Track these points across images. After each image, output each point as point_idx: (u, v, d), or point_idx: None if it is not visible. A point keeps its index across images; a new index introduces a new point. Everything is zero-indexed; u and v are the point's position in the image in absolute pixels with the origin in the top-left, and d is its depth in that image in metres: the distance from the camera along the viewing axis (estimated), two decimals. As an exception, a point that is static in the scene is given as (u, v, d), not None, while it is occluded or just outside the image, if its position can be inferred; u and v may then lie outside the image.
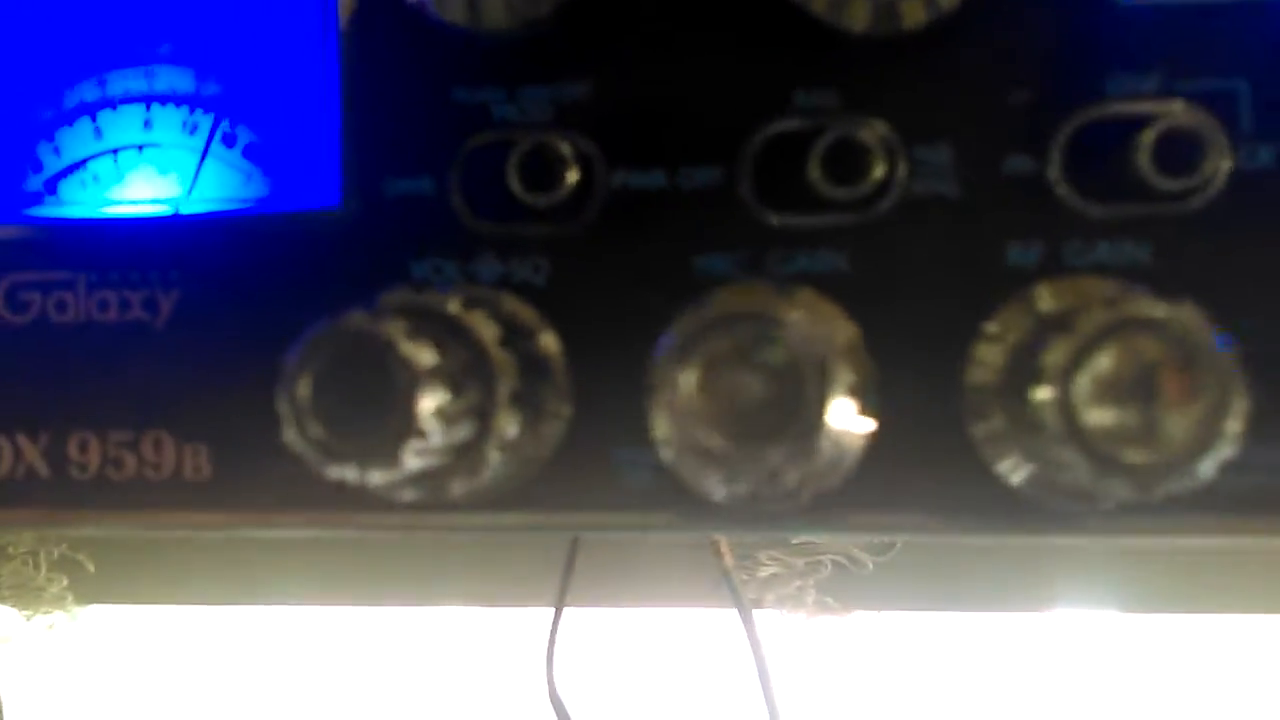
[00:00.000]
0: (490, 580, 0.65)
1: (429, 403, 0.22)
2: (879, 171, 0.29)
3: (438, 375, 0.23)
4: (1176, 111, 0.28)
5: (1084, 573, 0.61)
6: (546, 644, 0.56)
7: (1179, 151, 0.27)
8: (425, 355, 0.23)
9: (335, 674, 0.73)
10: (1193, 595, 0.60)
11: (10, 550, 0.68)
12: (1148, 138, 0.27)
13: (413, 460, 0.23)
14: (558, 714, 0.55)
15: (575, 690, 0.56)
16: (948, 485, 0.28)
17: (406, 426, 0.22)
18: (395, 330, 0.23)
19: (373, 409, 0.22)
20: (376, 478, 0.23)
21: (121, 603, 0.71)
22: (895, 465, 0.28)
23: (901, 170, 0.29)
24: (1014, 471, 0.27)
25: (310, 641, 0.73)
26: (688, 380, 0.22)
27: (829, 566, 0.62)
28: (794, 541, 0.61)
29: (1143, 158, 0.27)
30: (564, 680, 0.56)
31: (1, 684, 0.70)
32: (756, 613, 0.56)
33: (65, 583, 0.69)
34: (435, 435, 0.23)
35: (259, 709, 0.73)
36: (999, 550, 0.60)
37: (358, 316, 0.23)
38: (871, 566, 0.62)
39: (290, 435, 0.23)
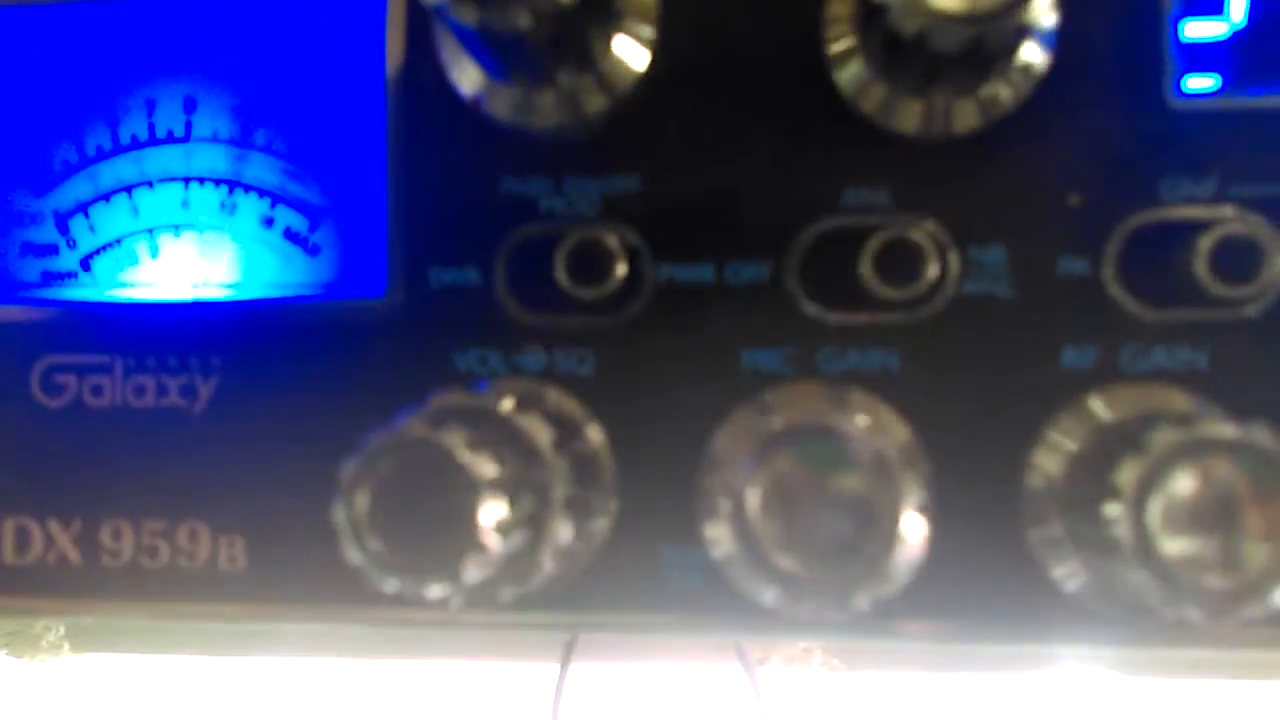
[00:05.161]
0: (495, 634, 0.64)
1: (490, 515, 0.22)
2: (932, 271, 0.28)
3: (497, 486, 0.22)
4: (1232, 217, 0.28)
5: (1091, 633, 0.60)
6: (552, 699, 0.55)
7: (1236, 258, 0.27)
8: (486, 467, 0.22)
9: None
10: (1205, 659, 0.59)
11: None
12: (1204, 244, 0.27)
13: (472, 573, 0.22)
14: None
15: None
16: (1002, 592, 0.28)
17: (468, 541, 0.22)
18: (455, 440, 0.22)
19: (433, 522, 0.22)
20: (434, 591, 0.22)
21: (119, 651, 0.70)
22: (948, 572, 0.28)
23: (954, 270, 0.29)
24: (1071, 579, 0.27)
25: (311, 694, 0.72)
26: (753, 497, 0.22)
27: (835, 626, 0.61)
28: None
29: (1199, 264, 0.27)
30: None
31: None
32: (762, 670, 0.55)
33: (62, 631, 0.68)
34: (496, 548, 0.22)
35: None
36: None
37: (416, 424, 0.22)
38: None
39: (349, 549, 0.22)
